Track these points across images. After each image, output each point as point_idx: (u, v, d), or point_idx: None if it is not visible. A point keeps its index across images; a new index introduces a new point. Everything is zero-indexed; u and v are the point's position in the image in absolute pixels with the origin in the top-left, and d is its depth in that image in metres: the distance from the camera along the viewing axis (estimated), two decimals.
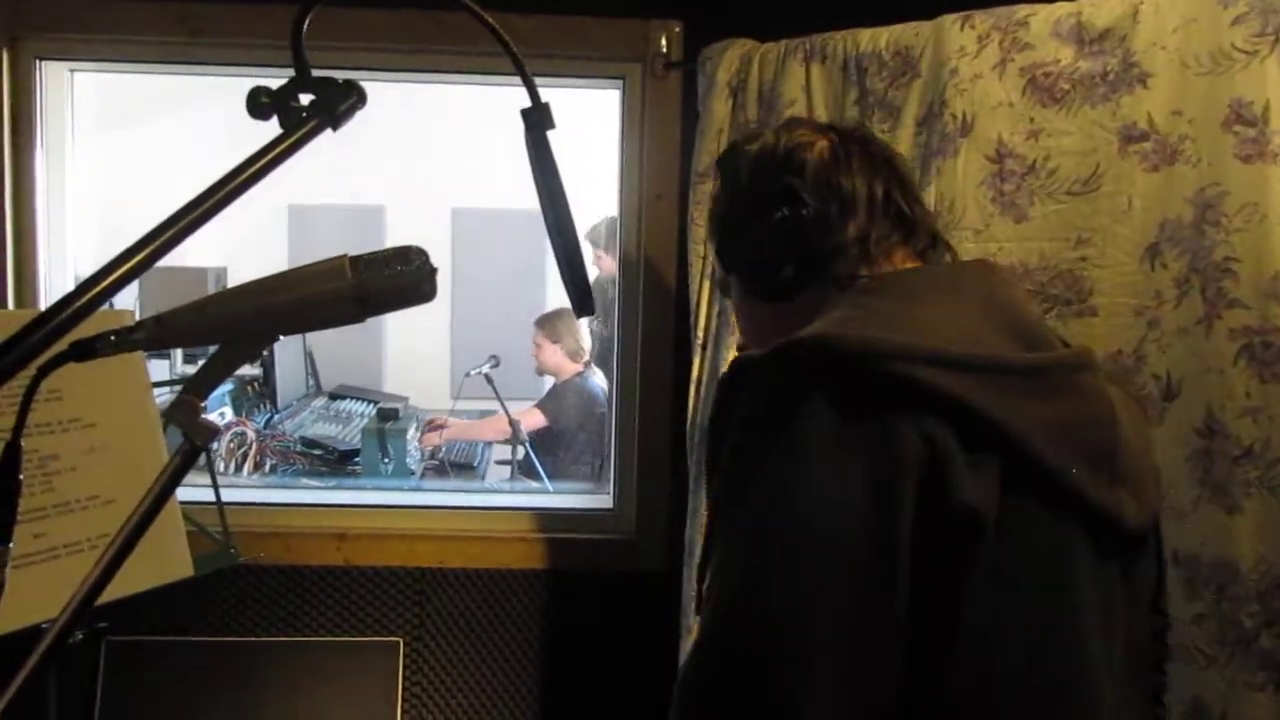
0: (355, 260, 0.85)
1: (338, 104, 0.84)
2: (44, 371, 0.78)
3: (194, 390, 0.84)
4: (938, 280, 1.09)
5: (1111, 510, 0.99)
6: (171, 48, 2.29)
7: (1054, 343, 1.06)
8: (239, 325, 0.85)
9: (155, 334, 0.83)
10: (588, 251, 4.38)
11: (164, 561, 1.47)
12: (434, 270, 0.87)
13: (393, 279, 0.85)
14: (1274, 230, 1.41)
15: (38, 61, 2.30)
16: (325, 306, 0.85)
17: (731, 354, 1.91)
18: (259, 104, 0.85)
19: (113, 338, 0.81)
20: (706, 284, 2.07)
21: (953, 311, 1.02)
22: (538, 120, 0.90)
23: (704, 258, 2.07)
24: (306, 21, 0.86)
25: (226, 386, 3.56)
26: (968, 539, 0.90)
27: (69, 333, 0.72)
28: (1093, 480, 0.97)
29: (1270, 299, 1.42)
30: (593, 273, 4.16)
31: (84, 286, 0.71)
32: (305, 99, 0.85)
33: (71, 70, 2.39)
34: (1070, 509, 0.96)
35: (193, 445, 0.84)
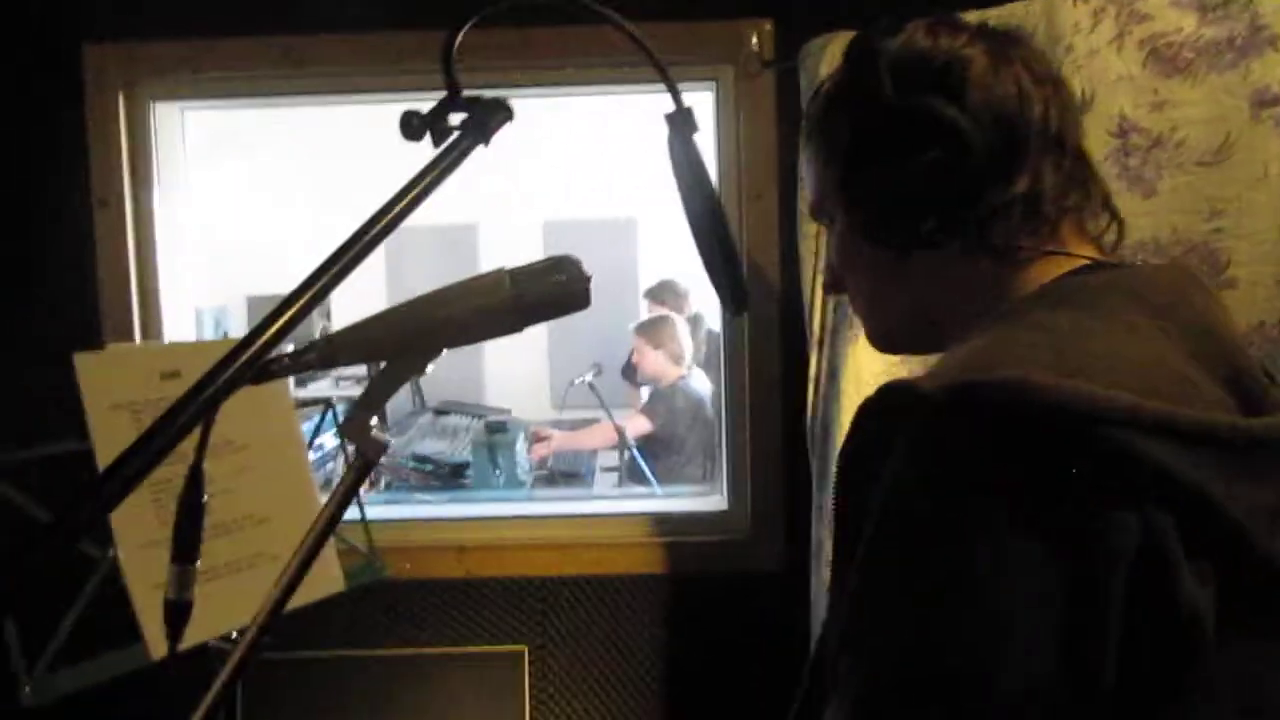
0: (513, 273, 0.87)
1: (489, 121, 0.85)
2: (225, 393, 0.80)
3: (364, 406, 0.87)
4: (1132, 293, 0.86)
5: None
6: (278, 81, 2.36)
7: (1261, 380, 0.85)
8: (404, 341, 0.87)
9: (326, 353, 0.85)
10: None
11: (317, 578, 1.51)
12: (588, 278, 0.88)
13: (550, 289, 0.87)
14: None
15: (152, 103, 2.38)
16: (486, 319, 0.87)
17: (855, 347, 1.89)
18: (411, 126, 0.87)
19: (287, 360, 0.84)
20: (820, 281, 2.06)
21: (1153, 341, 0.82)
22: (682, 122, 0.91)
23: (816, 253, 2.07)
24: (457, 42, 0.88)
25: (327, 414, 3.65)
26: (1181, 653, 0.73)
27: (260, 362, 0.74)
28: None
29: None
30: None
31: (272, 317, 0.74)
32: (456, 119, 0.87)
33: (183, 109, 2.47)
34: (1271, 603, 0.78)
35: (365, 460, 0.87)
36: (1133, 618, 0.71)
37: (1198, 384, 0.80)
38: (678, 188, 0.94)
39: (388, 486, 3.60)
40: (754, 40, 2.23)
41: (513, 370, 6.43)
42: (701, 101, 2.40)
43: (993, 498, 0.71)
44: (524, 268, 0.88)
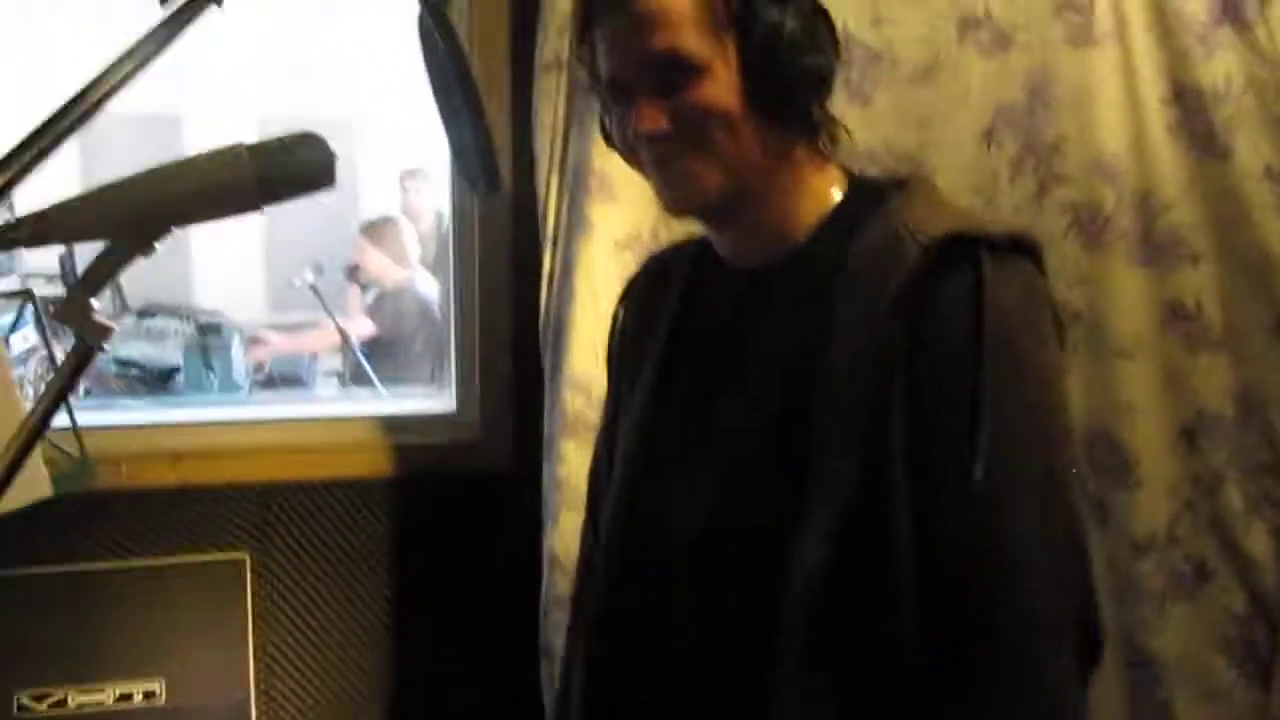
0: (251, 148, 0.82)
1: None
2: None
3: (85, 289, 0.80)
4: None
5: None
6: None
7: None
8: (130, 218, 0.80)
9: (39, 230, 0.78)
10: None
11: (21, 482, 1.39)
12: (334, 155, 0.85)
13: (294, 165, 0.83)
14: (1099, 111, 1.52)
15: None
16: (222, 196, 0.82)
17: (589, 244, 1.90)
18: None
19: None
20: (555, 178, 2.05)
21: None
22: None
23: (551, 155, 2.05)
24: None
25: (25, 309, 3.33)
26: None
27: None
28: None
29: (1095, 175, 1.53)
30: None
31: None
32: None
33: None
34: None
35: (87, 347, 0.80)
36: None
37: None
38: (424, 61, 0.91)
39: (87, 393, 3.33)
40: None
41: (224, 270, 6.08)
42: None
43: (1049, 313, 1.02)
44: (263, 143, 0.83)
